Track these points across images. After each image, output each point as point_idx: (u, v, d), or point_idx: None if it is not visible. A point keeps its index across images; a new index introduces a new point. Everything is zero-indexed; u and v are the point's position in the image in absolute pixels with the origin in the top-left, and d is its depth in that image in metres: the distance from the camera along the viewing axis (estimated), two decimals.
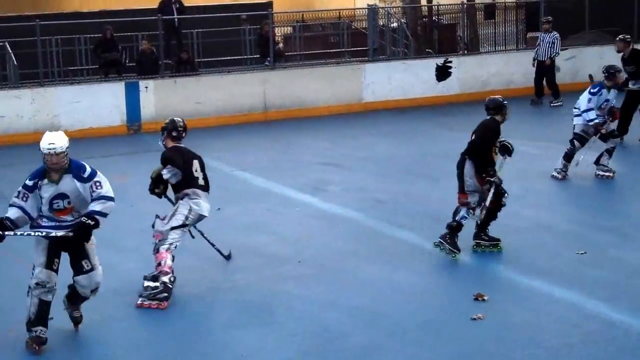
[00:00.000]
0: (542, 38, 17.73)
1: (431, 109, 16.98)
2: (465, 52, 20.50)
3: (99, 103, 15.72)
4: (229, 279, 7.61)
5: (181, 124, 7.48)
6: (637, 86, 12.95)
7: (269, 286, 7.38)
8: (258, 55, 19.48)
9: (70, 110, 15.46)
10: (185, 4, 19.23)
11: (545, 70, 17.57)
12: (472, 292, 6.90)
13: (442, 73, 17.70)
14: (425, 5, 23.36)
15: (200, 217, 7.36)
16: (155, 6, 18.54)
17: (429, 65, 18.01)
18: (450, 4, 23.73)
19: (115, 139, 15.16)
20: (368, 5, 20.09)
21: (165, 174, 7.32)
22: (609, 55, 18.39)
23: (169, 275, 7.00)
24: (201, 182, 7.36)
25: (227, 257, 8.01)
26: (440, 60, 18.03)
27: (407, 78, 17.74)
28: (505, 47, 21.42)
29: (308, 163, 11.52)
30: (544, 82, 17.63)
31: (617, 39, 13.35)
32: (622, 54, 13.28)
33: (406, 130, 15.14)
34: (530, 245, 8.30)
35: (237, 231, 9.03)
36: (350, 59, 20.06)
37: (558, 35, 17.67)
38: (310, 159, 12.53)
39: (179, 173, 7.28)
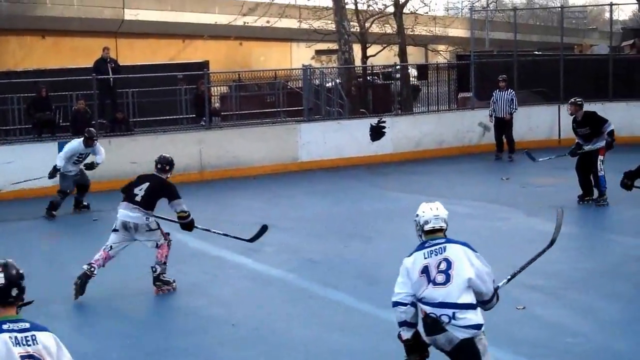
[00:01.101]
0: (499, 96, 18.23)
1: (365, 168, 17.22)
2: (399, 112, 20.90)
3: (31, 163, 15.57)
4: (165, 346, 7.59)
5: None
6: (591, 147, 13.21)
7: (206, 353, 7.38)
8: (194, 115, 19.58)
9: (3, 170, 15.30)
10: (121, 63, 19.31)
11: (505, 126, 18.08)
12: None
13: (376, 133, 18.03)
14: (359, 66, 23.77)
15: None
16: (90, 65, 18.54)
17: (363, 125, 18.33)
18: (383, 65, 24.24)
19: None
20: (303, 65, 20.38)
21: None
22: (537, 115, 19.08)
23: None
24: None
25: (253, 239, 9.48)
26: (374, 120, 18.36)
27: (341, 138, 17.99)
28: (438, 107, 21.89)
29: (243, 223, 11.53)
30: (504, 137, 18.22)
31: (570, 102, 13.57)
32: (574, 116, 13.51)
33: (341, 189, 15.31)
34: None
35: (172, 293, 9.03)
36: (285, 118, 20.31)
37: (514, 92, 18.32)
38: (245, 219, 12.58)
39: None
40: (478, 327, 5.17)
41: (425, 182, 15.64)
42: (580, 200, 13.06)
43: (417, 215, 5.63)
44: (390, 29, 27.42)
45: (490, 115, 18.34)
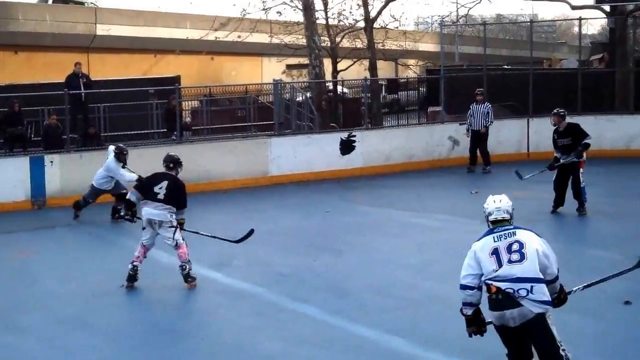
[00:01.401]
0: (475, 109, 18.51)
1: (335, 182, 17.29)
2: (369, 126, 21.02)
3: (2, 178, 15.52)
4: (134, 359, 7.61)
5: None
6: (569, 159, 13.41)
7: None
8: (165, 130, 19.59)
9: None
10: (93, 78, 19.28)
11: (480, 139, 18.33)
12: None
13: (346, 147, 18.13)
14: (330, 81, 23.90)
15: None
16: (62, 80, 18.52)
17: (333, 139, 18.41)
18: (354, 79, 24.40)
19: (19, 215, 14.97)
20: (274, 79, 20.46)
21: None
22: (507, 128, 19.25)
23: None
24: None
25: (239, 240, 10.23)
26: (344, 135, 18.46)
27: (311, 152, 18.06)
28: (408, 122, 22.07)
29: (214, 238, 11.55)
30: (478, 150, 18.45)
31: (553, 113, 13.80)
32: (556, 127, 13.74)
33: (311, 203, 15.36)
34: (427, 316, 8.53)
35: (142, 308, 9.06)
36: (256, 133, 20.36)
37: (490, 105, 18.54)
38: (216, 233, 12.59)
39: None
40: (549, 303, 5.64)
41: (395, 196, 15.74)
42: (554, 210, 13.29)
43: (484, 208, 6.20)
44: (360, 43, 27.60)
45: (467, 130, 18.57)
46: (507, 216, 6.08)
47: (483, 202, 6.25)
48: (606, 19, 26.71)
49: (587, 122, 19.18)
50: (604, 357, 7.20)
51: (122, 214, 11.50)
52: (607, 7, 24.37)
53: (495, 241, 5.88)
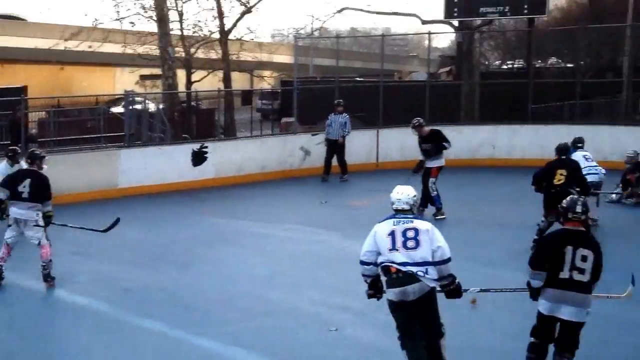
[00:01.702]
0: (333, 119, 18.67)
1: (187, 194, 17.01)
2: (222, 136, 20.89)
3: None
4: None
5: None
6: (430, 164, 14.11)
7: None
8: (9, 142, 18.83)
9: None
10: None
11: (337, 148, 18.56)
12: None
13: (198, 158, 17.91)
14: (183, 92, 23.62)
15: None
16: None
17: (185, 150, 18.15)
18: (207, 90, 24.20)
19: None
20: (125, 90, 20.04)
21: None
22: (357, 139, 19.49)
23: None
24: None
25: (106, 230, 10.63)
26: (196, 146, 18.24)
27: (163, 163, 17.70)
28: (261, 132, 22.02)
29: (56, 253, 11.16)
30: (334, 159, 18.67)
31: (414, 124, 14.34)
32: (418, 134, 14.32)
33: (160, 215, 15.05)
34: (272, 328, 8.48)
35: None
36: (106, 144, 19.85)
37: (348, 116, 18.73)
38: (59, 248, 12.12)
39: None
40: (437, 280, 6.61)
41: (247, 207, 15.66)
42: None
43: (390, 196, 6.93)
44: (215, 54, 27.43)
45: (325, 139, 18.80)
46: (406, 207, 6.84)
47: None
48: (454, 34, 27.59)
49: None
50: None
51: None
52: (455, 22, 25.15)
53: (394, 225, 6.72)
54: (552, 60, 36.40)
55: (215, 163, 18.22)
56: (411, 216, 6.80)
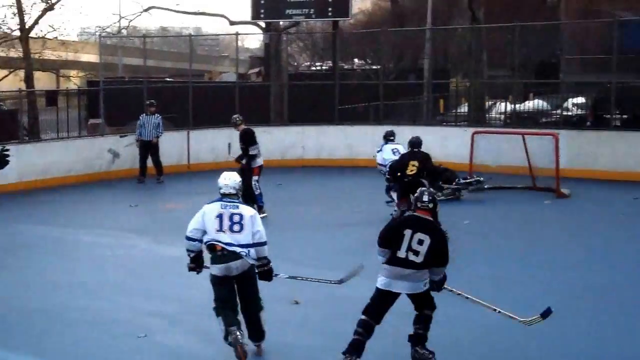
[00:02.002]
0: (146, 120, 18.50)
1: None
2: (26, 138, 20.10)
3: None
4: None
5: None
6: (254, 163, 14.20)
7: None
8: None
9: None
10: None
11: (152, 149, 18.40)
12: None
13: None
14: None
15: None
16: None
17: None
18: (8, 90, 23.23)
19: None
20: None
21: None
22: (168, 141, 19.26)
23: None
24: None
25: None
26: None
27: None
28: (68, 134, 21.26)
29: None
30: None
31: (231, 122, 14.58)
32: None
33: None
34: (80, 336, 8.26)
35: None
36: None
37: (161, 117, 18.62)
38: None
39: None
40: (256, 259, 7.41)
41: (52, 212, 15.17)
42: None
43: (218, 182, 7.58)
44: (15, 53, 26.37)
45: (137, 140, 18.58)
46: (232, 191, 7.51)
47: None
48: (263, 35, 27.79)
49: None
50: None
51: None
52: (263, 24, 25.36)
53: (222, 208, 7.41)
54: (358, 62, 37.43)
55: (17, 166, 17.48)
56: (237, 201, 7.48)
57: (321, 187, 17.59)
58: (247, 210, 7.43)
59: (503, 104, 22.45)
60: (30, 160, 17.79)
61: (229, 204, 7.42)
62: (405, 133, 19.91)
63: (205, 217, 7.41)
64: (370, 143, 20.27)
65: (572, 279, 10.12)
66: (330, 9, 23.09)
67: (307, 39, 38.74)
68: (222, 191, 7.52)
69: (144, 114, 18.65)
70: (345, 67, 35.16)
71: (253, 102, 22.46)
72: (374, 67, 32.72)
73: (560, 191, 15.66)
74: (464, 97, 25.50)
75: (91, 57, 38.82)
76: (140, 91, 20.92)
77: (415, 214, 7.29)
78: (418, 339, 7.27)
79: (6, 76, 28.15)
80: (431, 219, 7.27)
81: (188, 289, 9.86)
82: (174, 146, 19.88)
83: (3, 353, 7.80)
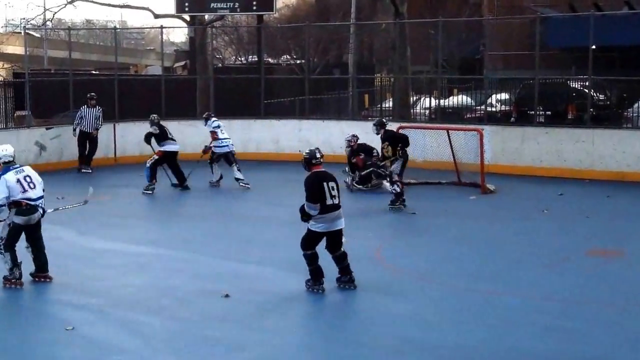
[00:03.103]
0: (86, 112, 19.07)
1: None
2: None
3: None
4: None
5: None
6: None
7: None
8: None
9: None
10: None
11: (91, 140, 19.08)
12: None
13: None
14: None
15: None
16: None
17: None
18: None
19: None
20: None
21: None
22: (99, 133, 19.06)
23: None
24: None
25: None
26: None
27: None
28: None
29: None
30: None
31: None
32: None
33: None
34: (3, 327, 8.27)
35: None
36: None
37: (102, 109, 19.25)
38: None
39: None
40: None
41: None
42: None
43: None
44: None
45: (74, 130, 19.10)
46: (12, 159, 9.51)
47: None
48: (187, 28, 27.70)
49: (171, 128, 19.85)
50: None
51: None
52: (187, 17, 25.27)
53: (16, 174, 9.37)
54: (285, 57, 37.54)
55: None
56: (19, 166, 9.54)
57: (248, 180, 17.61)
58: (30, 170, 9.59)
59: (427, 100, 22.76)
60: None
61: (17, 168, 9.44)
62: (330, 127, 20.22)
63: (9, 185, 9.23)
64: (296, 137, 20.49)
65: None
66: (254, 3, 23.16)
67: (233, 33, 38.73)
68: (3, 160, 9.44)
69: (85, 106, 19.07)
70: (271, 61, 35.29)
71: (179, 96, 22.41)
72: (299, 61, 32.89)
73: (486, 187, 15.87)
74: (389, 92, 25.79)
75: (16, 49, 38.09)
76: (67, 84, 20.73)
77: (317, 170, 9.05)
78: (347, 271, 9.26)
79: None
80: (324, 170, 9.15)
81: (113, 281, 9.91)
82: (100, 139, 19.71)
83: None
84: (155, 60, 52.01)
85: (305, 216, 9.09)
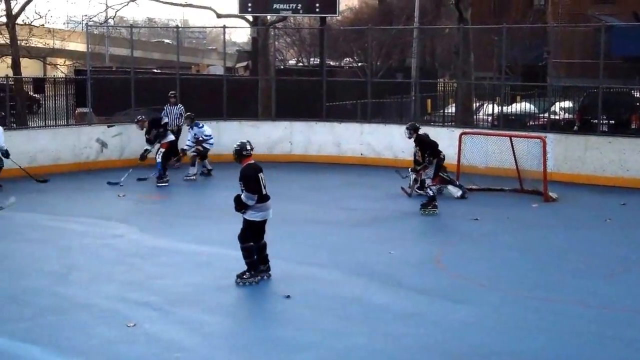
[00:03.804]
0: (169, 110, 19.35)
1: None
2: (13, 126, 20.01)
3: None
4: None
5: None
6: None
7: None
8: None
9: None
10: None
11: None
12: None
13: None
14: None
15: None
16: None
17: None
18: None
19: None
20: None
21: None
22: None
23: None
24: None
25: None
26: None
27: None
28: (55, 122, 21.20)
29: None
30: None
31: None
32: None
33: None
34: (68, 324, 8.27)
35: None
36: None
37: (183, 107, 19.42)
38: None
39: None
40: None
41: (39, 199, 15.14)
42: None
43: None
44: (2, 39, 26.26)
45: None
46: None
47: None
48: (250, 29, 27.82)
49: (232, 128, 20.01)
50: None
51: None
52: (250, 17, 25.36)
53: None
54: (347, 60, 37.49)
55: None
56: None
57: (311, 183, 17.56)
58: None
59: (490, 106, 22.52)
60: (17, 148, 17.60)
61: None
62: (393, 131, 20.08)
63: None
64: (358, 141, 20.41)
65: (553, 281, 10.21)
66: (317, 5, 23.11)
67: (295, 34, 38.81)
68: None
69: (168, 105, 19.51)
70: (332, 63, 35.26)
71: (241, 96, 22.49)
72: (361, 64, 32.82)
73: (548, 195, 15.66)
74: (451, 97, 25.57)
75: (78, 46, 38.69)
76: (128, 82, 20.88)
77: (249, 162, 9.57)
78: (266, 260, 9.81)
79: None
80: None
81: (174, 279, 9.93)
82: None
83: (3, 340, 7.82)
84: (217, 60, 52.37)
85: (240, 207, 9.57)
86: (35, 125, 21.73)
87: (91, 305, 8.96)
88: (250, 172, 9.53)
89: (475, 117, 23.03)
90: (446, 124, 22.87)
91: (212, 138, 18.24)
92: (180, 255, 11.16)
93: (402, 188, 15.64)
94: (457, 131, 17.99)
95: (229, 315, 8.56)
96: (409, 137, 14.70)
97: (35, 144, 18.29)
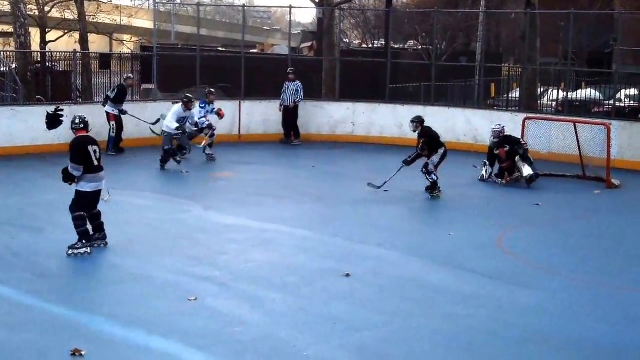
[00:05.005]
0: (287, 86, 19.93)
1: (40, 157, 16.48)
2: (79, 100, 20.32)
3: None
4: None
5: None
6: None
7: None
8: None
9: None
10: None
11: (291, 114, 19.89)
12: (69, 348, 6.84)
13: (53, 122, 17.21)
14: (37, 51, 22.80)
15: None
16: None
17: (39, 112, 17.47)
18: (63, 52, 23.46)
19: None
20: None
21: None
22: (224, 110, 19.26)
23: None
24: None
25: None
26: (51, 108, 17.56)
27: (15, 125, 17.16)
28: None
29: None
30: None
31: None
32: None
33: (12, 180, 14.56)
34: (129, 296, 8.40)
35: None
36: None
37: (300, 84, 19.93)
38: None
39: None
40: None
41: (107, 173, 15.32)
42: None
43: None
44: (71, 14, 26.64)
45: (281, 105, 20.05)
46: None
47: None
48: (315, 9, 27.77)
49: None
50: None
51: None
52: None
53: None
54: (411, 42, 37.26)
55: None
56: None
57: (372, 164, 17.49)
58: None
59: (555, 92, 22.20)
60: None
61: None
62: (456, 115, 19.92)
63: None
64: None
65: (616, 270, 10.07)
66: None
67: (359, 16, 38.67)
68: None
69: (287, 81, 19.99)
70: (395, 46, 35.08)
71: (305, 76, 22.49)
72: (425, 47, 32.60)
73: (611, 181, 15.49)
74: (516, 82, 25.25)
75: (144, 23, 39.03)
76: (193, 59, 21.01)
77: (82, 134, 10.04)
78: (101, 228, 10.11)
79: (61, 37, 28.47)
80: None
81: (237, 255, 10.00)
82: (226, 117, 19.91)
83: (57, 308, 7.95)
84: (281, 39, 52.45)
85: (68, 178, 9.92)
86: (99, 100, 21.98)
87: (152, 277, 9.05)
88: (79, 144, 9.89)
89: (539, 102, 22.71)
90: (510, 108, 22.62)
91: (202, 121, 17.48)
92: (245, 232, 11.22)
93: (369, 184, 15.27)
94: (521, 116, 17.81)
95: (291, 292, 8.59)
96: (414, 130, 14.51)
97: (100, 119, 18.49)
